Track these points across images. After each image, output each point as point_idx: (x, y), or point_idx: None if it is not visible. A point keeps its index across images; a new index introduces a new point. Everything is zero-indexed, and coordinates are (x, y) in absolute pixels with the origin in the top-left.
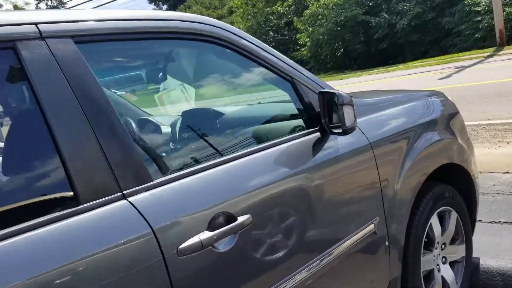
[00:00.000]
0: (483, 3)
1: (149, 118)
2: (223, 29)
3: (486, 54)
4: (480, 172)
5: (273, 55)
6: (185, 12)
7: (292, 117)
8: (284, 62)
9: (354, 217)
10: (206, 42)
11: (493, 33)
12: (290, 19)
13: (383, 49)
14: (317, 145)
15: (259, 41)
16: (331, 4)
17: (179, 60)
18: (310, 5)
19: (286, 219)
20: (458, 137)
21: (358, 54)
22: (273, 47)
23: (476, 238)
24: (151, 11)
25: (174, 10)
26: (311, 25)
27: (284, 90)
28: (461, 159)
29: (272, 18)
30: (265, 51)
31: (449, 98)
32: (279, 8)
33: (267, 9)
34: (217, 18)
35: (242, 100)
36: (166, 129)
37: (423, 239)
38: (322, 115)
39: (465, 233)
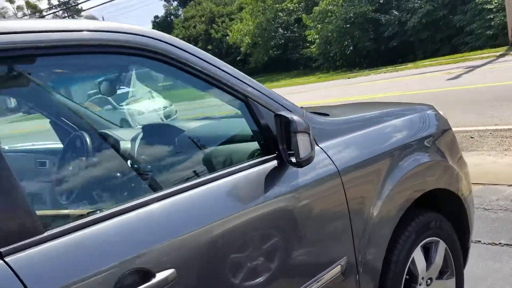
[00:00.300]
0: (496, 1)
1: (108, 132)
2: (159, 40)
3: (498, 54)
4: (483, 184)
5: (222, 70)
6: (195, 8)
7: (252, 139)
8: (236, 78)
9: (314, 260)
10: (135, 56)
11: (505, 31)
12: (300, 16)
13: (393, 47)
14: (272, 176)
15: (206, 53)
16: (341, 1)
17: (94, 78)
18: (320, 1)
19: (223, 271)
20: (448, 158)
21: (367, 51)
22: (282, 44)
23: (473, 263)
24: (61, 21)
25: (184, 6)
26: (320, 22)
27: (239, 110)
28: (451, 183)
29: (282, 15)
30: (213, 65)
31: (441, 112)
32: (289, 5)
33: (277, 5)
34: (227, 15)
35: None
36: (110, 151)
37: (404, 277)
38: (280, 140)
39: (455, 265)
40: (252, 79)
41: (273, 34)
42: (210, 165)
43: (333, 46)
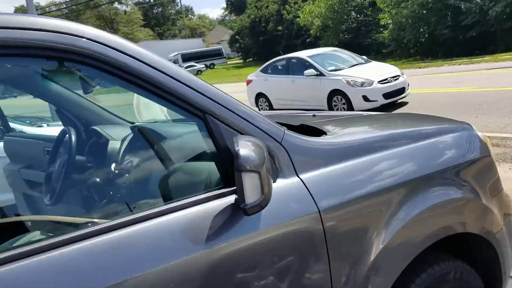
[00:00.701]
0: None
1: (98, 130)
2: (88, 39)
3: None
4: None
5: (173, 78)
6: None
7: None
8: (191, 88)
9: None
10: (56, 59)
11: None
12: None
13: (471, 37)
14: (227, 215)
15: (153, 55)
16: None
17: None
18: None
19: None
20: (481, 195)
21: (444, 40)
22: (354, 28)
23: None
24: None
25: None
26: (395, 7)
27: (198, 128)
28: (482, 226)
29: None
30: (161, 71)
31: (480, 134)
32: None
33: None
34: None
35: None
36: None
37: None
38: None
39: None
40: (216, 90)
41: (345, 17)
42: (152, 196)
43: (406, 32)
